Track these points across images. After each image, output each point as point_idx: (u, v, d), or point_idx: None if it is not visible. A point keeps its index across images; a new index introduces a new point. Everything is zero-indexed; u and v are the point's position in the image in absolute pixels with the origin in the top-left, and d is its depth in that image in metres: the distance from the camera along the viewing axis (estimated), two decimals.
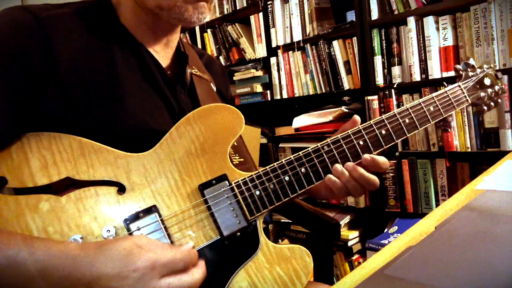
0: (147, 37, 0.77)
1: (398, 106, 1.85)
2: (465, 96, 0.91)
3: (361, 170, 0.76)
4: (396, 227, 1.89)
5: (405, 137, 0.82)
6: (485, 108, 0.95)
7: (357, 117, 0.82)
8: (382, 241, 1.83)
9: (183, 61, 0.82)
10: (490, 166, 1.07)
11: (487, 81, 0.95)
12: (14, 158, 0.63)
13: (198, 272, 0.61)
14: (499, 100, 0.97)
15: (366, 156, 0.77)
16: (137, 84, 0.73)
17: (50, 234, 0.61)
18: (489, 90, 0.95)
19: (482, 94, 0.93)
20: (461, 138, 1.68)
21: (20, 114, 0.64)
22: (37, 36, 0.65)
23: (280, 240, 2.32)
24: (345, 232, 2.08)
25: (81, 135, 0.66)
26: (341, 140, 0.77)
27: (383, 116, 0.81)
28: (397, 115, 0.81)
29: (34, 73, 0.64)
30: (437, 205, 1.80)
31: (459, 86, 0.91)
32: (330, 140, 0.77)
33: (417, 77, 1.78)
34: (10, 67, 0.63)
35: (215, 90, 0.91)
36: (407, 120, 0.82)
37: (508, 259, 0.54)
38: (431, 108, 0.84)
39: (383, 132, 0.80)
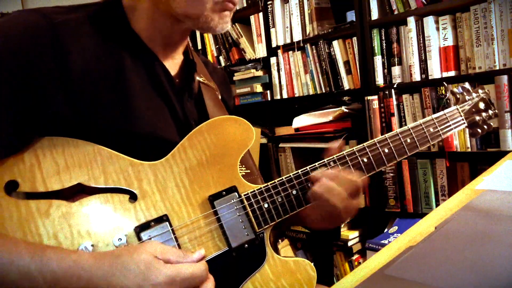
0: (158, 44, 0.76)
1: (398, 106, 1.85)
2: (463, 119, 0.95)
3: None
4: (396, 227, 1.89)
5: (406, 156, 0.85)
6: (480, 131, 0.99)
7: (336, 144, 0.83)
8: (382, 241, 1.83)
9: (191, 68, 0.82)
10: (490, 166, 1.07)
11: (481, 105, 1.00)
12: (27, 162, 0.63)
13: (211, 285, 0.62)
14: (492, 124, 1.02)
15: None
16: (146, 89, 0.73)
17: (60, 240, 0.60)
18: (484, 114, 0.99)
19: (478, 118, 0.98)
20: (461, 138, 1.68)
21: (30, 118, 0.63)
22: (50, 40, 0.65)
23: (280, 241, 2.32)
24: (345, 232, 2.08)
25: (90, 140, 0.66)
26: (346, 157, 0.80)
27: (386, 135, 0.84)
28: (399, 134, 0.84)
29: (45, 77, 0.64)
30: (437, 205, 1.79)
31: (457, 109, 0.95)
32: (336, 156, 0.79)
33: (417, 77, 1.78)
34: (21, 70, 0.62)
35: (220, 98, 0.91)
36: (408, 140, 0.85)
37: (508, 259, 0.54)
38: (431, 129, 0.88)
39: (386, 150, 0.83)
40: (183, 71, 0.82)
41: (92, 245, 0.61)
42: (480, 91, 1.02)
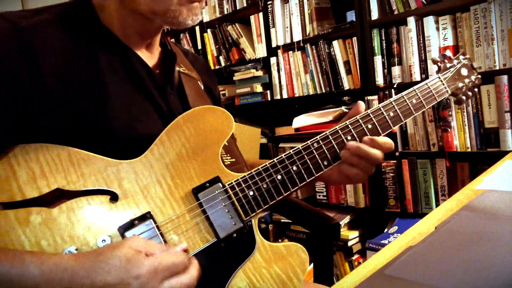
0: (132, 40, 0.75)
1: None
2: (445, 87, 0.93)
3: (365, 147, 0.78)
4: (396, 227, 1.89)
5: (390, 130, 0.84)
6: (464, 98, 0.97)
7: (361, 103, 0.85)
8: (382, 241, 1.83)
9: (171, 60, 0.80)
10: (490, 166, 1.07)
11: (464, 72, 0.97)
12: (0, 172, 0.61)
13: (194, 270, 0.62)
14: (476, 90, 1.00)
15: (366, 138, 0.80)
16: (124, 88, 0.71)
17: (43, 248, 0.59)
18: (466, 80, 0.97)
19: (461, 84, 0.96)
20: (461, 138, 1.68)
21: (10, 126, 0.62)
22: (18, 46, 0.63)
23: (280, 240, 2.32)
24: (345, 232, 2.08)
25: (70, 144, 0.65)
26: (329, 137, 0.80)
27: (368, 110, 0.83)
28: (381, 109, 0.84)
29: (19, 84, 0.62)
30: (437, 205, 1.79)
31: (439, 77, 0.93)
32: (319, 137, 0.79)
33: (417, 77, 1.78)
34: None
35: (202, 88, 0.90)
36: (391, 114, 0.84)
37: (508, 259, 0.54)
38: (414, 101, 0.87)
39: (369, 126, 0.82)
40: (162, 63, 0.80)
41: (76, 249, 0.61)
42: (461, 57, 1.00)
